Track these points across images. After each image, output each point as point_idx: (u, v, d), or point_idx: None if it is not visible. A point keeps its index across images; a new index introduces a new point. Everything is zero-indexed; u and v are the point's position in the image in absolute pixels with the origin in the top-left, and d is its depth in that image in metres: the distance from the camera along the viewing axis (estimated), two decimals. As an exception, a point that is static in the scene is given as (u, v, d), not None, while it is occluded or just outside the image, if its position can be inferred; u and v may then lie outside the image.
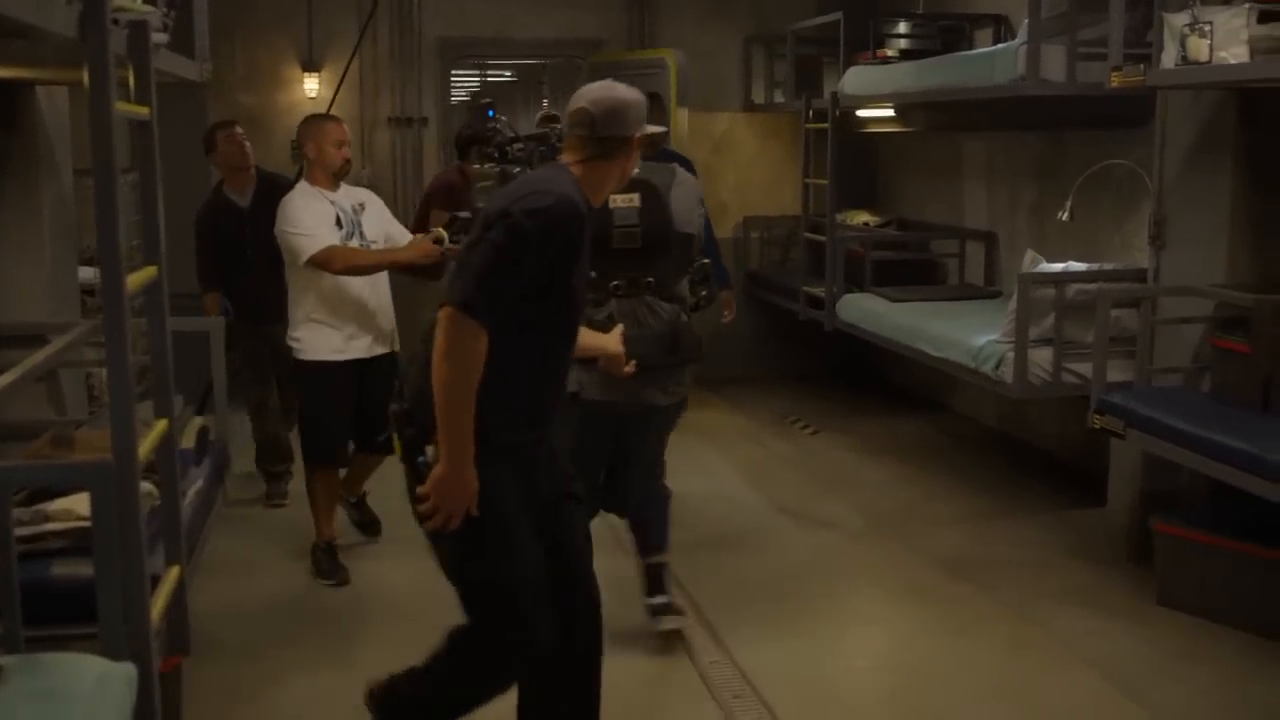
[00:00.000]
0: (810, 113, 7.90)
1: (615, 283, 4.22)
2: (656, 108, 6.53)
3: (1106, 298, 5.05)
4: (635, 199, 4.18)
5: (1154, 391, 5.07)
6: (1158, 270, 5.34)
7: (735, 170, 9.43)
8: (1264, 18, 4.23)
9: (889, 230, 8.51)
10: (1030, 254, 5.94)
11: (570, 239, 3.03)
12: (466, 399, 2.93)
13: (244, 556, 5.51)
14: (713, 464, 7.15)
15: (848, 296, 7.57)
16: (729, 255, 9.30)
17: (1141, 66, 4.80)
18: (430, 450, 3.10)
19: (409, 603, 4.86)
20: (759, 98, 9.37)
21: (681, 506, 5.02)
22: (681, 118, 8.51)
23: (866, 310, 7.29)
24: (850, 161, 8.46)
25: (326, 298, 5.05)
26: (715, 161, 9.24)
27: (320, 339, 5.08)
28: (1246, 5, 4.31)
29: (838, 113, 7.62)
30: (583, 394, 4.23)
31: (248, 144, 6.26)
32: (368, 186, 5.87)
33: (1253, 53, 4.24)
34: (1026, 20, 5.66)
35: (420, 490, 3.03)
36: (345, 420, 5.21)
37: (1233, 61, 4.30)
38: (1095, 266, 5.75)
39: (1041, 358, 5.54)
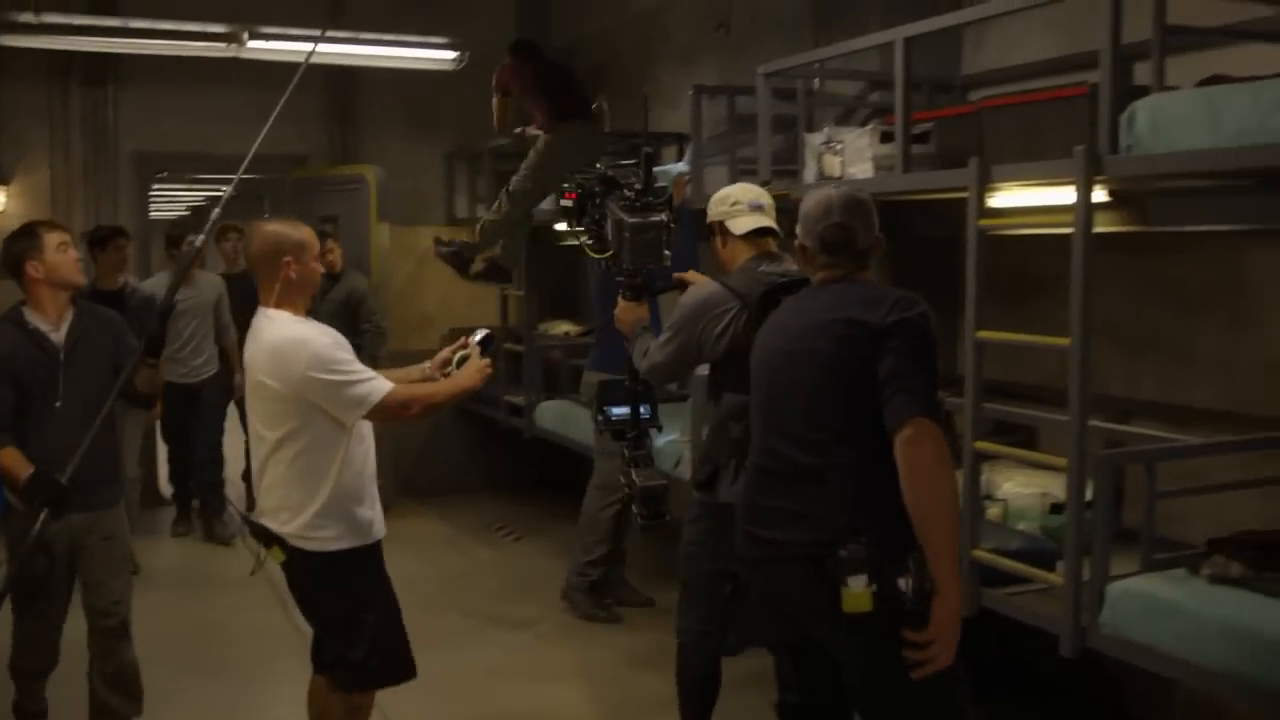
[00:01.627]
0: (507, 226, 8.13)
1: None
2: None
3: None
4: None
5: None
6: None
7: (440, 283, 9.55)
8: (885, 138, 4.69)
9: (588, 339, 8.78)
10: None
11: None
12: (958, 512, 2.83)
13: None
14: (410, 571, 7.16)
15: (545, 404, 7.78)
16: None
17: (788, 182, 5.21)
18: (906, 581, 2.83)
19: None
20: (462, 212, 9.59)
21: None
22: (382, 232, 8.67)
23: (562, 416, 7.50)
24: (552, 273, 8.78)
25: (352, 465, 3.79)
26: (420, 274, 9.39)
27: (352, 519, 3.79)
28: (870, 127, 4.77)
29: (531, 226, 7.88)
30: None
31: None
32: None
33: (876, 168, 4.69)
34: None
35: (924, 635, 2.82)
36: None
37: (860, 176, 4.74)
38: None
39: (717, 455, 5.83)
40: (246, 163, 4.41)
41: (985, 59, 5.55)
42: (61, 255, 4.43)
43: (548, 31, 9.58)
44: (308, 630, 6.05)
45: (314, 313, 8.09)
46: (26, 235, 4.47)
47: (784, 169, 5.31)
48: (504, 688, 5.41)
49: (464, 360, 3.95)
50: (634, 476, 3.93)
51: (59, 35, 7.49)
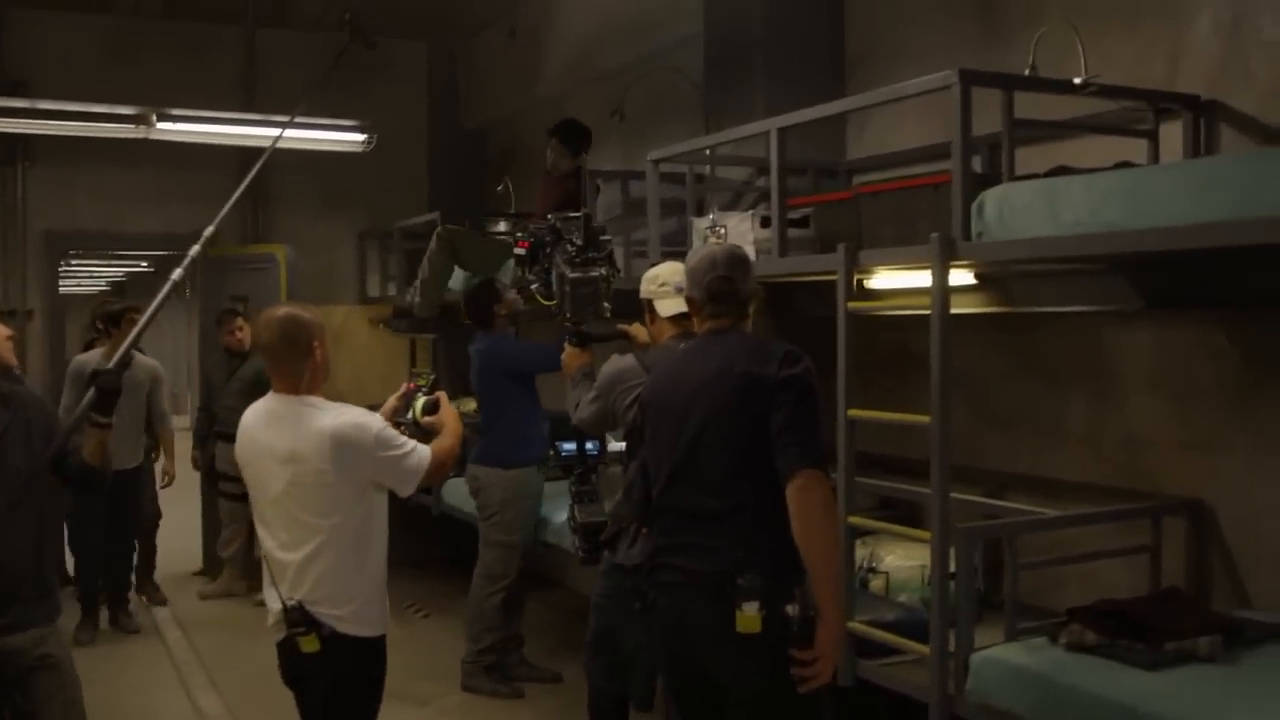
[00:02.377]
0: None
1: None
2: None
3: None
4: None
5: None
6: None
7: (352, 360, 9.60)
8: (765, 223, 4.85)
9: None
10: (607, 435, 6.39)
11: None
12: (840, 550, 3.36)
13: None
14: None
15: (452, 481, 7.81)
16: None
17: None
18: (792, 607, 3.20)
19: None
20: (374, 290, 9.69)
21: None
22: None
23: (465, 494, 7.54)
24: (461, 353, 8.83)
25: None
26: (333, 353, 9.37)
27: (384, 604, 3.81)
28: (751, 212, 4.95)
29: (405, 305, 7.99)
30: None
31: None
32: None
33: (757, 252, 4.84)
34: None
35: (809, 654, 3.18)
36: None
37: (743, 259, 4.90)
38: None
39: (616, 531, 5.93)
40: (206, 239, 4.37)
41: (868, 145, 5.76)
42: None
43: (457, 116, 9.77)
44: (211, 713, 6.10)
45: (223, 390, 8.25)
46: None
47: (674, 250, 5.44)
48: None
49: (429, 406, 3.94)
50: (575, 512, 4.28)
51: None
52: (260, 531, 3.77)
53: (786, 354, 3.30)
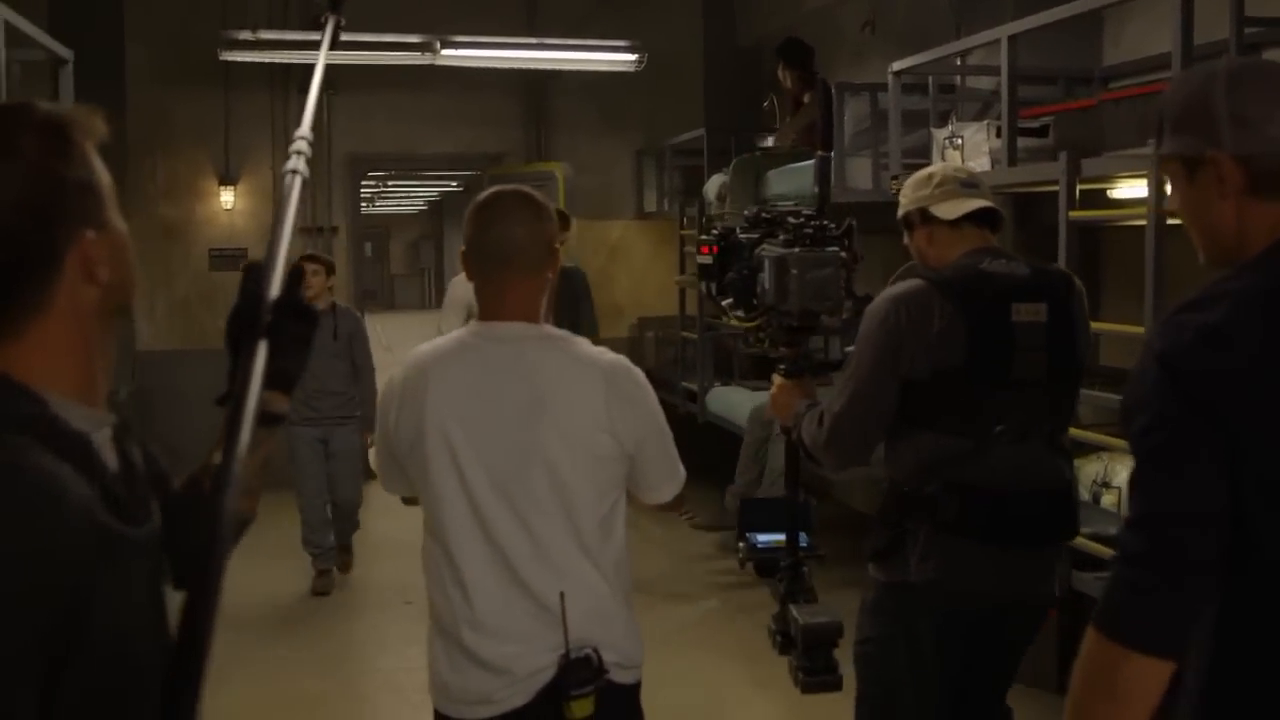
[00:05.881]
0: (684, 219, 8.47)
1: (1000, 428, 2.83)
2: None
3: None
4: (1042, 310, 2.84)
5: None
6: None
7: (629, 274, 10.00)
8: (1000, 133, 4.81)
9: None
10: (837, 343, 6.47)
11: None
12: None
13: None
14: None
15: (715, 390, 8.06)
16: (624, 355, 9.89)
17: (919, 176, 5.36)
18: None
19: None
20: (650, 206, 9.98)
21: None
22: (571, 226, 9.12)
23: (730, 402, 7.77)
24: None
25: None
26: (610, 266, 9.84)
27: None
28: (987, 122, 4.90)
29: (705, 219, 8.19)
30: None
31: None
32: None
33: (992, 162, 4.81)
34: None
35: None
36: None
37: (977, 170, 4.86)
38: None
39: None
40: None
41: (1124, 51, 5.57)
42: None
43: (734, 34, 9.89)
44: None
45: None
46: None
47: (916, 163, 5.45)
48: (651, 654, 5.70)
49: None
50: (794, 613, 3.03)
51: (273, 50, 8.21)
52: (468, 538, 2.37)
53: None
